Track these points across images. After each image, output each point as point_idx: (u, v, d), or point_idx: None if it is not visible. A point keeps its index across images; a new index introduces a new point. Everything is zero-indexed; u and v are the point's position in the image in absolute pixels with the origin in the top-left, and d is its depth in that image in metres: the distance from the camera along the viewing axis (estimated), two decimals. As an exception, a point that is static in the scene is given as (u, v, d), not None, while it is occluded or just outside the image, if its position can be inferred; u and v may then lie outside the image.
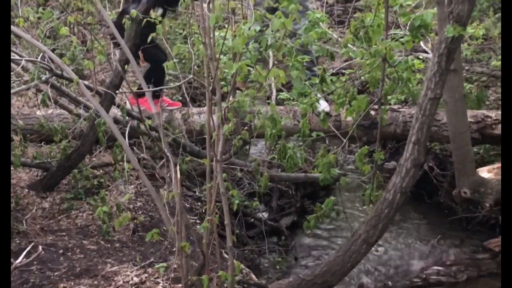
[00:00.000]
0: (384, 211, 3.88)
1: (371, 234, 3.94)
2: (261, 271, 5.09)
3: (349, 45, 4.15)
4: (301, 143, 5.61)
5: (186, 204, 5.02)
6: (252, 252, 5.17)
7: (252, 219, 5.72)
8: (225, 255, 4.51)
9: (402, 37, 4.38)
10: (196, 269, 3.47)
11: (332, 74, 6.85)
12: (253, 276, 4.34)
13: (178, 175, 3.12)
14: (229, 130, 3.02)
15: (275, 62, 3.72)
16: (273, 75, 3.17)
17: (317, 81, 4.39)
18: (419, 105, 3.61)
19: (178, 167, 3.14)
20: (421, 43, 7.11)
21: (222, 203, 3.22)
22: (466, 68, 6.47)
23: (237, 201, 3.49)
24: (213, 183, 3.27)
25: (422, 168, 6.21)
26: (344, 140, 4.46)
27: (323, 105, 5.03)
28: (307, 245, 5.71)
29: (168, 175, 3.60)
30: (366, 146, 4.20)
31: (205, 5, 2.97)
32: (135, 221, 4.43)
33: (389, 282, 5.01)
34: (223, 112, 3.17)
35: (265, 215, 5.97)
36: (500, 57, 6.42)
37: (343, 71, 7.00)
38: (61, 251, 4.04)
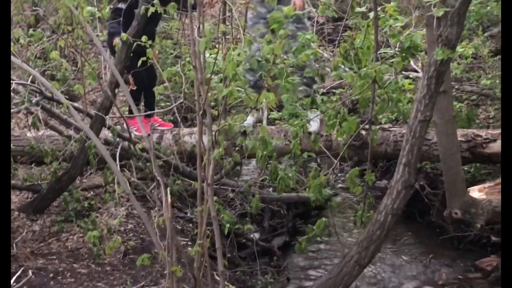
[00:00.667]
0: (375, 232, 3.89)
1: (363, 255, 3.94)
2: (253, 293, 5.07)
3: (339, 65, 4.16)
4: (292, 163, 5.66)
5: (177, 226, 5.01)
6: (244, 273, 5.13)
7: (244, 240, 5.69)
8: (217, 278, 4.50)
9: (392, 57, 4.42)
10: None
11: (323, 94, 6.88)
12: (245, 299, 4.33)
13: (169, 199, 3.11)
14: (220, 154, 3.02)
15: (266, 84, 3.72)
16: (264, 98, 3.17)
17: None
18: (409, 127, 3.62)
19: (168, 190, 3.13)
20: (411, 62, 7.14)
21: (213, 226, 3.20)
22: (456, 87, 6.51)
23: (228, 225, 3.47)
24: (204, 207, 3.26)
25: (413, 188, 6.24)
26: (335, 161, 4.47)
27: (314, 126, 5.04)
28: (299, 265, 5.69)
29: (159, 197, 3.60)
30: (357, 168, 4.21)
31: (195, 29, 2.97)
32: (126, 244, 4.40)
33: (381, 303, 4.99)
34: (213, 135, 3.17)
35: (257, 235, 5.95)
36: (490, 75, 6.47)
37: (334, 90, 7.01)
38: (51, 275, 4.02)
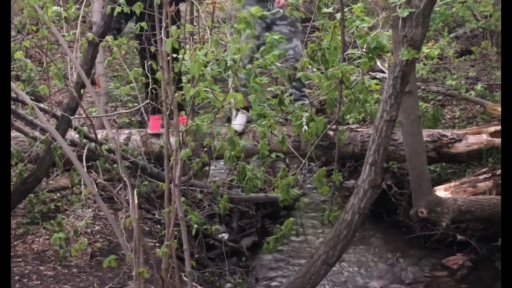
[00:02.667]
0: (343, 232, 3.91)
1: (331, 255, 3.96)
2: (222, 294, 5.06)
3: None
4: (260, 163, 5.67)
5: (145, 227, 4.99)
6: (212, 274, 5.13)
7: (213, 240, 5.68)
8: (185, 279, 4.48)
9: (359, 57, 4.45)
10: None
11: (291, 95, 6.90)
12: (213, 299, 4.32)
13: (136, 200, 3.10)
14: (187, 155, 3.01)
15: (234, 85, 3.72)
16: (231, 99, 3.17)
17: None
18: (375, 127, 3.66)
19: (135, 191, 3.11)
20: (378, 63, 7.21)
21: (181, 228, 3.19)
22: (422, 87, 6.59)
23: (195, 226, 3.46)
24: (172, 208, 3.25)
25: (379, 188, 6.30)
26: (303, 161, 4.49)
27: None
28: (268, 265, 5.70)
29: (126, 198, 3.57)
30: (324, 168, 4.24)
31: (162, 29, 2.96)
32: (93, 246, 4.37)
33: (349, 302, 5.03)
34: (180, 136, 3.16)
35: (225, 236, 5.95)
36: (455, 76, 6.56)
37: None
38: (17, 278, 3.96)
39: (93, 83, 4.68)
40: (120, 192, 5.23)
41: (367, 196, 3.80)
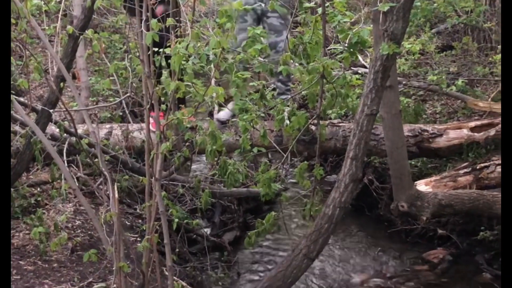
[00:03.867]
0: (324, 226, 3.93)
1: (312, 249, 3.97)
2: (203, 288, 5.05)
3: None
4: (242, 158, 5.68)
5: (126, 222, 4.97)
6: (194, 269, 5.12)
7: (195, 235, 5.67)
8: (166, 273, 4.48)
9: (341, 53, 4.46)
10: (136, 288, 3.43)
11: (274, 89, 6.90)
12: (195, 294, 4.32)
13: (116, 194, 3.08)
14: (168, 148, 3.00)
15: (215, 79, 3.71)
16: (212, 93, 3.17)
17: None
18: (356, 121, 3.67)
19: (115, 186, 3.10)
20: (360, 58, 7.23)
21: (162, 222, 3.18)
22: (404, 82, 6.62)
23: (176, 220, 3.45)
24: (152, 202, 3.24)
25: (360, 182, 6.33)
26: (285, 155, 4.49)
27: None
28: (250, 260, 5.70)
29: (107, 193, 3.55)
30: (305, 162, 4.25)
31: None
32: (74, 240, 4.35)
33: (330, 296, 5.04)
34: (161, 129, 3.15)
35: (207, 231, 5.94)
36: (436, 71, 6.60)
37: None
38: (-4, 273, 3.93)
39: (74, 77, 4.63)
40: (100, 186, 5.22)
41: (348, 190, 3.82)
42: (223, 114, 5.78)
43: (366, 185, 6.31)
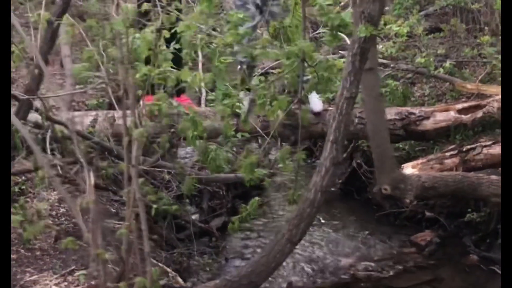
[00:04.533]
0: (306, 210, 3.92)
1: (294, 233, 3.97)
2: (191, 274, 5.05)
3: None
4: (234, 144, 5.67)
5: (111, 209, 4.96)
6: (181, 255, 5.11)
7: (183, 222, 5.67)
8: (155, 261, 4.48)
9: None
10: (116, 275, 3.42)
11: (262, 74, 6.88)
12: (180, 280, 4.32)
13: (92, 181, 3.07)
14: (142, 135, 2.98)
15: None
16: (187, 77, 3.15)
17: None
18: (336, 105, 3.66)
19: (91, 173, 3.08)
20: (348, 41, 7.18)
21: (139, 208, 3.17)
22: (392, 65, 6.59)
23: (155, 206, 3.44)
24: (130, 188, 3.23)
25: (341, 165, 6.31)
26: (267, 139, 4.47)
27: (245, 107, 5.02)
28: (237, 245, 5.71)
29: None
30: (288, 147, 4.23)
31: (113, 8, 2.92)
32: (58, 228, 4.34)
33: (318, 280, 5.04)
34: (136, 116, 3.12)
35: (195, 217, 5.94)
36: (424, 54, 6.56)
37: (272, 71, 7.03)
38: (-22, 262, 3.92)
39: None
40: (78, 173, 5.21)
41: (329, 173, 3.81)
42: (317, 105, 5.56)
43: (355, 169, 6.32)
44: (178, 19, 3.46)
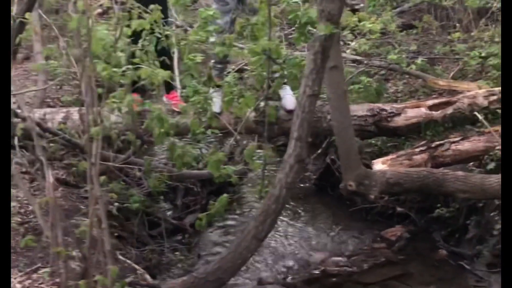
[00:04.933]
0: (271, 206, 3.95)
1: (260, 229, 4.00)
2: (162, 271, 5.06)
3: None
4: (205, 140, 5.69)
5: (81, 206, 4.96)
6: (153, 252, 5.13)
7: (156, 218, 5.67)
8: (120, 257, 4.49)
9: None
10: (79, 273, 3.44)
11: (237, 71, 6.91)
12: (148, 277, 4.32)
13: (51, 179, 3.08)
14: (98, 133, 2.99)
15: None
16: (146, 75, 3.16)
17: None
18: (299, 103, 3.68)
19: (50, 171, 3.09)
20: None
21: (99, 206, 3.18)
22: (365, 62, 6.63)
23: (116, 204, 3.46)
24: (91, 186, 3.24)
25: (324, 163, 6.37)
26: (235, 133, 4.48)
27: (217, 106, 5.02)
28: (211, 242, 5.72)
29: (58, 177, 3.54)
30: (254, 144, 4.26)
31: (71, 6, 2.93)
32: (26, 226, 4.34)
33: (289, 275, 5.07)
34: (96, 114, 3.14)
35: (169, 213, 5.96)
36: (396, 50, 6.61)
37: (247, 67, 7.05)
38: None
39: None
40: (56, 171, 5.22)
41: (293, 170, 3.83)
42: (290, 103, 5.50)
43: (329, 165, 6.34)
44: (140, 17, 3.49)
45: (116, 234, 4.97)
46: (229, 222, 6.04)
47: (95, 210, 3.29)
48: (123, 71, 3.30)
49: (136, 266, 4.40)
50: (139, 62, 3.60)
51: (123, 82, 3.28)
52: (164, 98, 6.16)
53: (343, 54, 7.04)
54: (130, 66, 3.20)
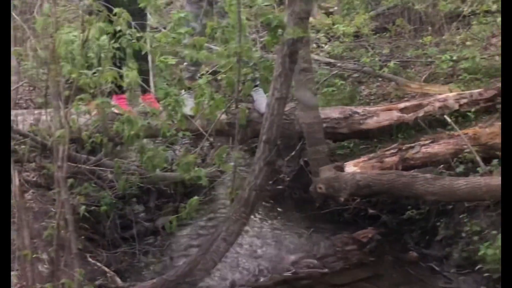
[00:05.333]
0: (241, 209, 3.97)
1: (230, 232, 4.02)
2: (133, 273, 5.05)
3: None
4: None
5: (52, 208, 4.93)
6: (124, 254, 5.12)
7: (128, 220, 5.66)
8: (90, 260, 4.49)
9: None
10: (46, 276, 3.43)
11: (211, 73, 6.90)
12: (118, 280, 4.33)
13: (17, 183, 3.07)
14: (64, 136, 2.99)
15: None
16: (109, 78, 3.16)
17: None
18: (268, 105, 3.70)
19: (16, 174, 3.08)
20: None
21: (65, 209, 3.18)
22: (339, 64, 6.67)
23: (83, 207, 3.45)
24: (59, 189, 3.24)
25: (299, 165, 6.38)
26: (206, 135, 4.49)
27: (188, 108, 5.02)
28: (183, 244, 5.70)
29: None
30: (225, 146, 4.27)
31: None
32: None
33: (261, 278, 5.08)
34: (63, 116, 3.13)
35: (142, 215, 5.94)
36: (369, 53, 6.66)
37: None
38: None
39: None
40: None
41: (263, 173, 3.86)
42: (263, 105, 5.44)
43: (302, 167, 6.36)
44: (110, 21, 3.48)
45: (87, 236, 4.97)
46: (203, 224, 6.03)
47: (62, 213, 3.29)
48: (93, 73, 3.29)
49: (106, 269, 4.40)
50: (110, 65, 3.62)
51: (97, 84, 3.27)
52: (140, 99, 6.17)
53: (317, 57, 7.10)
54: (100, 68, 3.18)
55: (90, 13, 3.26)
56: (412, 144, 5.26)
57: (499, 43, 6.64)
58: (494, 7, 6.67)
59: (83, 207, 3.54)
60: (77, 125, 3.35)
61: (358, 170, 5.18)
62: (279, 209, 6.23)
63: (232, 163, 4.93)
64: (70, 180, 3.28)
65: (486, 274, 4.20)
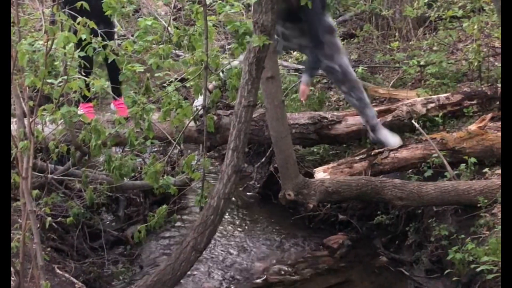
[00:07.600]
0: (210, 217, 3.94)
1: (199, 241, 3.99)
2: (102, 284, 4.99)
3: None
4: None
5: (19, 219, 4.85)
6: (93, 264, 5.05)
7: (97, 230, 5.60)
8: (58, 271, 4.42)
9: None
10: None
11: (180, 80, 6.87)
12: (87, 290, 4.27)
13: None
14: (28, 147, 2.94)
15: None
16: (75, 87, 3.12)
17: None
18: (235, 113, 3.69)
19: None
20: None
21: (31, 221, 3.13)
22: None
23: (49, 219, 3.40)
24: (24, 201, 3.18)
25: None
26: (174, 143, 4.46)
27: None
28: (153, 253, 5.67)
29: None
30: (193, 154, 4.25)
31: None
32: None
33: (231, 285, 5.06)
34: (27, 126, 3.08)
35: (111, 225, 5.89)
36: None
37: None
38: None
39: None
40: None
41: (231, 181, 3.84)
42: None
43: (272, 173, 6.36)
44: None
45: (55, 247, 4.90)
46: (173, 233, 6.00)
47: (27, 225, 3.24)
48: (59, 82, 3.25)
49: (74, 280, 4.33)
50: (76, 73, 3.58)
51: (64, 93, 3.23)
52: (112, 106, 6.13)
53: (286, 63, 7.11)
54: (65, 77, 3.14)
55: (53, 22, 3.22)
56: (381, 150, 5.29)
57: (465, 48, 6.72)
58: (460, 12, 6.74)
59: (49, 218, 3.48)
60: (43, 135, 3.29)
61: (328, 176, 5.20)
62: (249, 216, 6.22)
63: (201, 171, 4.93)
64: (35, 191, 3.22)
65: (455, 278, 4.22)
